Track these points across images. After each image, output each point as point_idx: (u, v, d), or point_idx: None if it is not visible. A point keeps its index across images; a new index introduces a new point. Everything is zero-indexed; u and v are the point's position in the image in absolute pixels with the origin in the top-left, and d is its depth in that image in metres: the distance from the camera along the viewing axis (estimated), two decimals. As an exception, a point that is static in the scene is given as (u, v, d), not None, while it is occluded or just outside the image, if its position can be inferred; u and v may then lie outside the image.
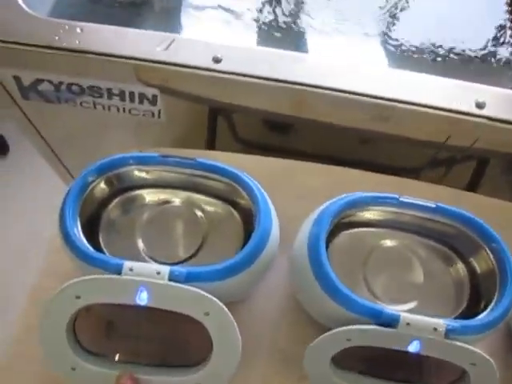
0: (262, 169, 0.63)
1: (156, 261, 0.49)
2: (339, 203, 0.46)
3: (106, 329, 0.47)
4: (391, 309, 0.42)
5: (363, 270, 0.49)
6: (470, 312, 0.48)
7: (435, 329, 0.40)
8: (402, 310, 0.48)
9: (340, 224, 0.50)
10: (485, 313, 0.44)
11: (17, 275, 1.27)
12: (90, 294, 0.41)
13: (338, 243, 0.50)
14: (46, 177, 1.05)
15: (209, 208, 0.51)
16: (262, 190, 0.47)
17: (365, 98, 0.57)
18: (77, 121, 0.73)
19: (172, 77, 0.66)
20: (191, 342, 0.46)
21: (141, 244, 0.49)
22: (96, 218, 0.50)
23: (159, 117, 0.67)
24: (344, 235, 0.51)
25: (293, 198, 0.61)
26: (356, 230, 0.51)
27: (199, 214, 0.51)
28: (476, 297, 0.49)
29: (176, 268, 0.41)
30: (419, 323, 0.41)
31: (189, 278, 0.41)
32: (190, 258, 0.49)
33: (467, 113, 0.58)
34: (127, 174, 0.48)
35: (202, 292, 0.41)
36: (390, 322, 0.41)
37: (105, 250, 0.49)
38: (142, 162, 0.48)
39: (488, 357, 0.41)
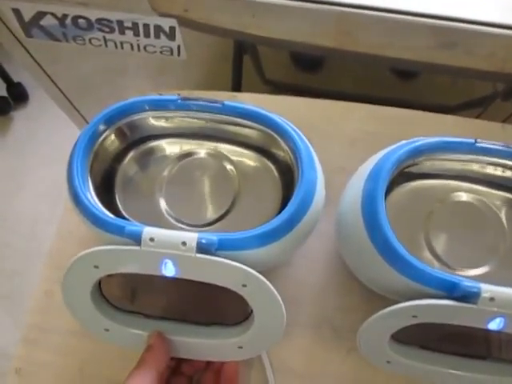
0: (299, 112, 0.54)
1: (182, 223, 0.42)
2: (400, 152, 0.38)
3: (135, 288, 0.42)
4: (467, 279, 0.34)
5: (426, 229, 0.42)
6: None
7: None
8: (473, 276, 0.41)
9: (400, 175, 0.41)
10: None
11: (42, 221, 1.25)
12: (108, 264, 0.36)
13: (396, 198, 0.42)
14: (67, 125, 0.98)
15: (240, 160, 0.43)
16: (305, 139, 0.39)
17: (429, 20, 0.46)
18: (88, 61, 0.65)
19: (193, 4, 0.57)
20: (230, 302, 0.40)
21: (163, 204, 0.43)
22: (111, 175, 0.43)
23: (179, 54, 0.58)
24: (403, 189, 0.42)
25: (338, 145, 0.53)
26: (419, 181, 0.42)
27: (229, 167, 0.43)
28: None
29: (205, 235, 0.34)
30: (506, 297, 0.33)
31: (221, 247, 0.34)
32: (220, 219, 0.42)
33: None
34: (142, 122, 0.40)
35: (237, 264, 0.34)
36: (468, 296, 0.33)
37: (123, 211, 0.43)
38: (159, 106, 0.39)
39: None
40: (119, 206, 0.42)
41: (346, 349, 0.45)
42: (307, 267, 0.47)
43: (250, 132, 0.41)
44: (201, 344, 0.39)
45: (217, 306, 0.41)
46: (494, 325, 0.34)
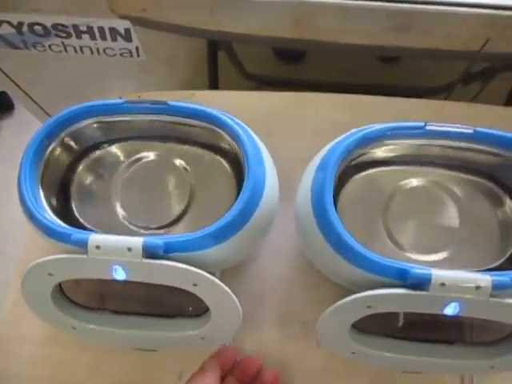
0: (263, 105, 0.54)
1: (140, 227, 0.42)
2: (348, 140, 0.37)
3: (103, 285, 0.42)
4: (420, 264, 0.34)
5: (384, 218, 0.41)
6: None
7: (478, 287, 0.32)
8: (433, 261, 0.40)
9: (353, 165, 0.41)
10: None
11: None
12: (61, 272, 0.36)
13: (351, 188, 0.41)
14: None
15: (192, 159, 0.43)
16: (251, 133, 0.38)
17: (378, 3, 0.45)
18: (52, 68, 0.65)
19: (151, 3, 0.56)
20: (191, 295, 0.40)
21: (120, 209, 0.42)
22: (67, 184, 0.43)
23: (138, 55, 0.57)
24: (359, 178, 0.42)
25: (301, 136, 0.52)
26: (374, 170, 0.41)
27: (182, 166, 0.43)
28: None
29: (150, 239, 0.34)
30: (457, 282, 0.32)
31: (169, 250, 0.34)
32: (178, 220, 0.42)
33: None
34: (86, 129, 0.40)
35: (183, 266, 0.34)
36: (420, 282, 0.33)
37: (81, 219, 0.42)
38: (102, 112, 0.39)
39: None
40: (76, 214, 0.42)
41: (315, 342, 0.44)
42: (274, 262, 0.47)
43: (197, 130, 0.40)
44: (166, 336, 0.39)
45: (180, 299, 0.41)
46: (450, 310, 0.33)
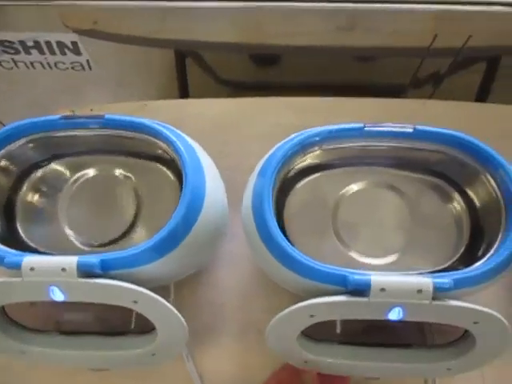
0: (216, 113, 0.53)
1: (86, 244, 0.41)
2: (286, 146, 0.36)
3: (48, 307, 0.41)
4: (373, 268, 0.33)
5: (334, 222, 0.40)
6: (472, 255, 0.38)
7: (420, 291, 0.31)
8: (385, 264, 0.39)
9: (299, 170, 0.40)
10: (485, 258, 0.34)
11: None
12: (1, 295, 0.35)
13: (299, 194, 0.41)
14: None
15: (138, 171, 0.42)
16: (190, 143, 0.38)
17: (321, 4, 0.44)
18: (8, 85, 0.64)
19: (101, 15, 0.55)
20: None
21: (66, 227, 0.41)
22: (11, 206, 0.42)
23: (90, 68, 0.56)
24: (305, 183, 0.41)
25: (254, 142, 0.51)
26: (320, 173, 0.41)
27: (127, 179, 0.42)
28: (478, 236, 0.39)
29: (86, 259, 0.33)
30: (397, 287, 0.31)
31: (106, 268, 0.33)
32: (125, 235, 0.41)
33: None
34: (22, 150, 0.39)
35: (119, 283, 0.33)
36: (360, 288, 0.32)
37: (28, 240, 0.41)
38: (37, 129, 0.38)
39: (492, 312, 0.32)
40: (22, 236, 0.41)
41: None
42: (232, 271, 0.46)
43: (137, 142, 0.39)
44: (116, 355, 0.38)
45: (127, 316, 0.40)
46: (394, 315, 0.33)
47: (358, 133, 0.37)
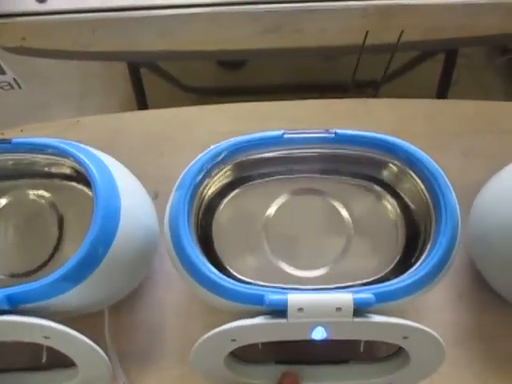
0: (150, 124, 0.52)
1: (6, 275, 0.39)
2: (204, 158, 0.34)
3: None
4: (305, 282, 0.31)
5: (265, 236, 0.38)
6: (409, 262, 0.36)
7: (339, 308, 0.29)
8: (320, 276, 0.37)
9: (224, 184, 0.38)
10: (412, 268, 0.33)
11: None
12: None
13: (226, 209, 0.39)
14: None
15: (56, 192, 0.40)
16: (103, 161, 0.36)
17: (245, 7, 0.42)
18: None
19: (30, 31, 0.53)
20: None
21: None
22: None
23: (19, 87, 0.54)
24: (232, 197, 0.39)
25: (190, 153, 0.49)
26: (245, 186, 0.39)
27: (48, 203, 0.40)
28: (414, 242, 0.37)
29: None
30: (315, 305, 0.30)
31: (14, 303, 0.31)
32: (52, 257, 0.39)
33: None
34: None
35: (21, 318, 0.31)
36: (278, 309, 0.30)
37: None
38: None
39: (420, 326, 0.30)
40: None
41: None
42: (166, 291, 0.44)
43: (50, 162, 0.38)
44: None
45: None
46: (318, 334, 0.31)
47: (278, 141, 0.35)
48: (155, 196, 0.47)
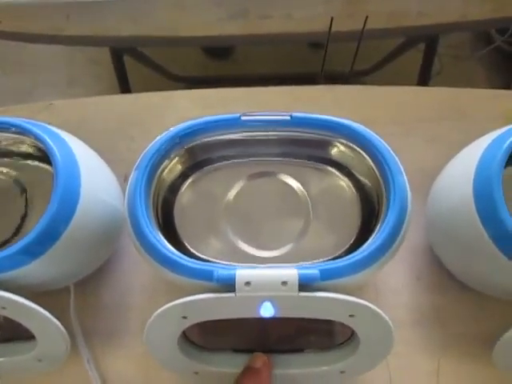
0: (121, 109, 0.52)
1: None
2: (162, 139, 0.35)
3: None
4: (265, 261, 0.32)
5: (226, 218, 0.39)
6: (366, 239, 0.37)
7: (285, 282, 0.30)
8: (280, 256, 0.38)
9: (186, 167, 0.39)
10: (365, 244, 0.34)
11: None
12: None
13: (187, 192, 0.39)
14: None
15: (23, 172, 0.41)
16: (66, 140, 0.36)
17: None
18: None
19: (4, 15, 0.54)
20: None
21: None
22: None
23: None
24: (193, 180, 0.40)
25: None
26: (205, 169, 0.39)
27: (13, 183, 0.41)
28: (370, 221, 0.38)
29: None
30: (262, 279, 0.30)
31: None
32: (16, 233, 0.40)
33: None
34: None
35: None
36: (227, 283, 0.31)
37: None
38: None
39: (366, 303, 0.31)
40: None
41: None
42: (133, 270, 0.45)
43: (15, 140, 0.38)
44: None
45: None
46: (266, 311, 0.32)
47: (235, 123, 0.36)
48: (125, 179, 0.47)
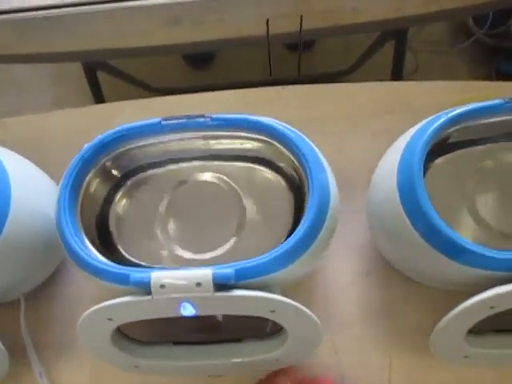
0: (74, 121, 0.53)
1: None
2: (85, 149, 0.36)
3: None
4: (202, 263, 0.34)
5: (160, 222, 0.39)
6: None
7: (199, 284, 0.30)
8: (216, 257, 0.38)
9: (119, 174, 0.39)
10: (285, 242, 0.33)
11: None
12: None
13: (123, 197, 0.40)
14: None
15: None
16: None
17: (142, 3, 0.43)
18: None
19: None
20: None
21: None
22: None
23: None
24: (129, 186, 0.40)
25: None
26: (137, 176, 0.40)
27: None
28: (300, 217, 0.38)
29: None
30: (176, 282, 0.31)
31: None
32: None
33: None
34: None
35: None
36: (143, 287, 0.31)
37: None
38: None
39: (282, 298, 0.31)
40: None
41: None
42: (82, 281, 0.45)
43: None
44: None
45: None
46: (187, 311, 0.32)
47: (156, 128, 0.36)
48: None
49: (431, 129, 0.34)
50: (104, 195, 0.39)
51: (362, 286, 0.44)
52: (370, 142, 0.48)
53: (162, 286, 0.30)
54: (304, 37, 0.47)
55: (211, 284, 0.30)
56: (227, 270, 0.31)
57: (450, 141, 0.38)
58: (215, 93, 0.51)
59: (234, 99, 0.53)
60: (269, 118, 0.36)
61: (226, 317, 0.37)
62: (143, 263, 0.39)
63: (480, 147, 0.38)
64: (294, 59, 1.25)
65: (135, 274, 0.31)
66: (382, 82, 0.51)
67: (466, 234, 0.38)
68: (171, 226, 0.39)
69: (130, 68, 1.05)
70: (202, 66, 1.22)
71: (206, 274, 0.30)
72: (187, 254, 0.39)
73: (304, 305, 0.43)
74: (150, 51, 0.48)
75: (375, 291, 0.43)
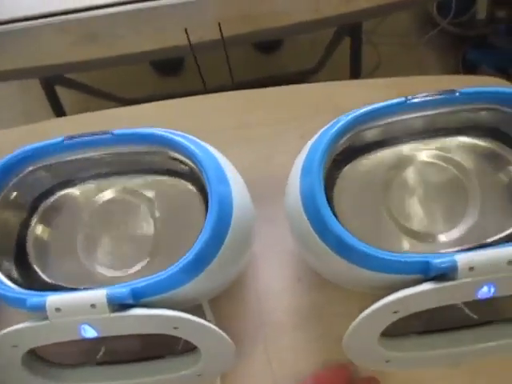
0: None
1: None
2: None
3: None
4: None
5: (79, 244, 0.39)
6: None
7: (93, 305, 0.30)
8: (129, 275, 0.38)
9: (32, 197, 0.39)
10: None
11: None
12: None
13: (38, 224, 0.40)
14: None
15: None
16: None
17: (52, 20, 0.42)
18: None
19: None
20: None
21: None
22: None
23: None
24: (42, 211, 0.40)
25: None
26: (53, 197, 0.40)
27: None
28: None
29: None
30: (71, 305, 0.30)
31: None
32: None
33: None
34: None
35: None
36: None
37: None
38: None
39: (182, 314, 0.31)
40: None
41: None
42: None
43: None
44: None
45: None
46: (88, 333, 0.31)
47: (58, 147, 0.36)
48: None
49: (332, 131, 0.33)
50: (20, 221, 0.39)
51: (293, 292, 0.43)
52: (299, 143, 0.47)
53: (58, 310, 0.30)
54: (232, 43, 0.47)
55: (106, 305, 0.30)
56: (122, 289, 0.30)
57: (357, 144, 0.37)
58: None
59: (181, 107, 0.52)
60: (173, 132, 0.35)
61: (142, 335, 0.36)
62: (65, 285, 0.39)
63: (389, 149, 0.38)
64: (265, 60, 1.25)
65: (32, 298, 0.31)
66: (310, 84, 0.50)
67: (392, 240, 0.38)
68: (90, 245, 0.39)
69: (98, 79, 1.05)
70: (171, 74, 1.22)
71: (100, 295, 0.30)
72: (109, 272, 0.39)
73: (235, 314, 0.43)
74: (60, 69, 0.47)
75: (306, 296, 0.43)
